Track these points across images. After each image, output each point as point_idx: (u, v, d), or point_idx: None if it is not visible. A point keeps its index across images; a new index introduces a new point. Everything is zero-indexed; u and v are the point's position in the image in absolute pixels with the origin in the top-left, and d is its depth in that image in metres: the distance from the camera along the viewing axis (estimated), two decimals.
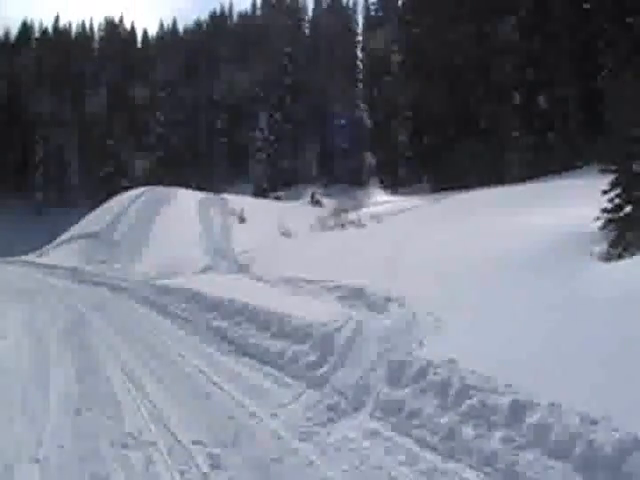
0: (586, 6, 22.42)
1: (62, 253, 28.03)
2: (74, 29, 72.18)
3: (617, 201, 6.70)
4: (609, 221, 6.77)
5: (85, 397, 6.35)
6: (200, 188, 38.57)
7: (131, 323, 11.29)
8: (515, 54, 25.37)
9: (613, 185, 6.73)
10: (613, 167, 6.77)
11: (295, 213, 26.06)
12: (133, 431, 5.30)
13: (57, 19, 71.85)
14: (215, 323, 9.41)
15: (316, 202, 35.78)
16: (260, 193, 47.65)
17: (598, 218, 6.84)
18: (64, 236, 32.55)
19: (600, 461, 3.62)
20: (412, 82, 34.28)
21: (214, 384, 6.82)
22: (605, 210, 6.76)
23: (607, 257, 6.43)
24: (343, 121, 51.03)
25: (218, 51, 63.93)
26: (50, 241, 34.20)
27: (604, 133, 7.94)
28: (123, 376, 7.22)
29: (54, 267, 24.25)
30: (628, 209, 6.63)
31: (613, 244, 6.56)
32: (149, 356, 8.32)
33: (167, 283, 13.77)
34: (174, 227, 23.79)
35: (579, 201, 8.58)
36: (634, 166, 6.58)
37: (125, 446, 5.00)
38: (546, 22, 23.70)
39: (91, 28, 72.62)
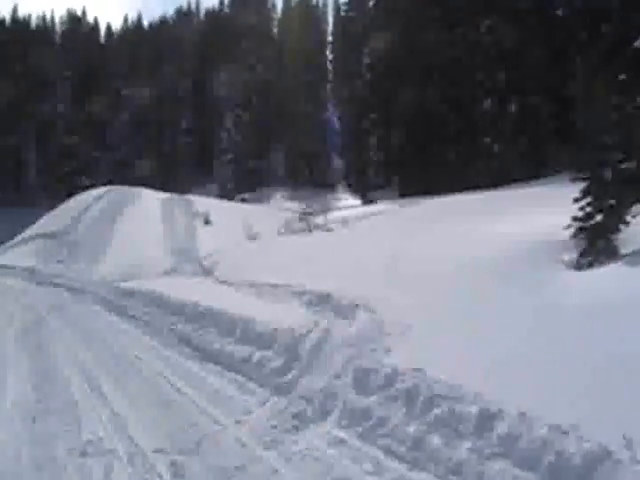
0: (558, 12, 22.83)
1: (19, 253, 27.46)
2: (34, 20, 71.05)
3: (588, 209, 6.77)
4: (580, 229, 6.84)
5: (42, 403, 6.22)
6: (164, 188, 38.21)
7: (91, 326, 11.14)
8: (487, 59, 25.69)
9: (584, 193, 6.81)
10: (584, 175, 6.85)
11: (261, 216, 25.97)
12: (92, 438, 5.22)
13: (15, 9, 70.66)
14: (178, 327, 9.33)
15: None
16: (226, 195, 47.39)
17: (569, 226, 6.93)
18: (22, 236, 31.90)
19: (569, 472, 3.67)
20: (383, 84, 34.50)
21: (176, 390, 6.76)
22: (576, 218, 6.84)
23: (577, 266, 6.51)
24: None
25: (184, 48, 63.45)
26: (6, 241, 33.50)
27: (575, 141, 8.06)
28: (82, 382, 7.11)
29: (11, 267, 23.76)
30: (599, 217, 6.72)
31: (584, 253, 6.64)
32: (109, 361, 8.21)
33: (129, 285, 13.63)
34: (137, 228, 23.52)
35: (550, 209, 8.70)
36: (605, 174, 6.67)
37: (84, 454, 4.92)
38: (518, 28, 24.04)
39: (52, 20, 71.57)
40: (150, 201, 29.07)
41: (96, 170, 55.81)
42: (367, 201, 35.53)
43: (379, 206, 25.69)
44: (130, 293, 12.73)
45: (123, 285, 13.97)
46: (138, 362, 8.07)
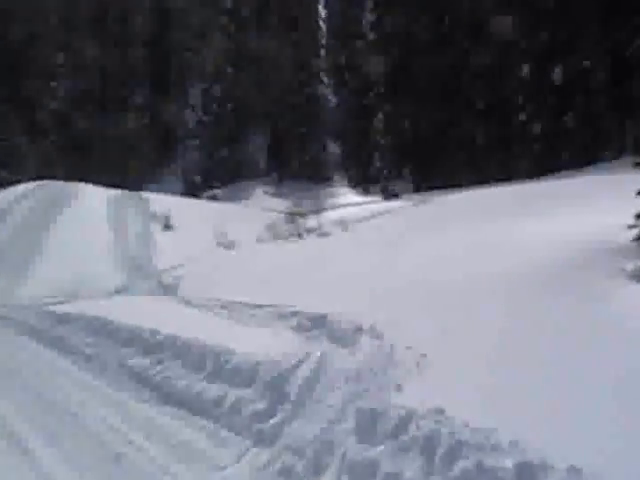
0: None
1: None
2: None
3: None
4: None
5: None
6: (112, 184, 38.17)
7: (15, 365, 11.03)
8: (524, 14, 25.66)
9: None
10: None
11: (238, 217, 25.96)
12: None
13: None
14: (131, 362, 9.29)
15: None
16: (192, 191, 47.35)
17: (632, 226, 6.92)
18: None
19: None
20: (390, 48, 34.57)
21: (128, 443, 6.73)
22: None
23: None
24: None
25: (136, 2, 63.26)
26: None
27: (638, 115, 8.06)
28: (2, 439, 7.05)
29: None
30: None
31: None
32: (40, 409, 8.14)
33: (66, 309, 13.53)
34: (76, 235, 23.43)
35: (607, 204, 8.74)
36: None
37: None
38: None
39: None
40: (93, 200, 28.99)
41: (21, 162, 55.48)
42: (372, 197, 35.52)
43: (389, 203, 25.75)
44: (68, 319, 12.64)
45: (59, 309, 13.87)
46: (79, 410, 8.02)
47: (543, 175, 19.59)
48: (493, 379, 5.63)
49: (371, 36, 44.17)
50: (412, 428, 5.23)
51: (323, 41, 58.02)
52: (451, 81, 28.95)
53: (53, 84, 57.85)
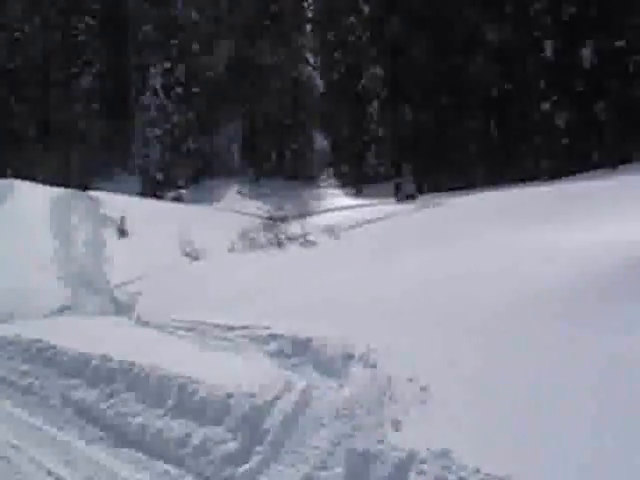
0: None
1: None
2: None
3: None
4: None
5: None
6: (55, 181, 38.03)
7: None
8: None
9: None
10: None
11: (207, 223, 25.95)
12: None
13: None
14: (77, 394, 9.26)
15: None
16: (151, 190, 47.25)
17: None
18: None
19: None
20: (389, 23, 34.66)
21: None
22: None
23: None
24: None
25: None
26: None
27: None
28: None
29: None
30: None
31: None
32: None
33: None
34: (11, 242, 23.25)
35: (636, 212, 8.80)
36: None
37: None
38: None
39: None
40: (32, 200, 28.83)
41: None
42: (366, 199, 35.49)
43: (385, 206, 25.79)
44: (0, 343, 12.59)
45: None
46: (13, 454, 7.97)
47: (569, 175, 19.65)
48: (508, 418, 5.64)
49: (366, 10, 44.30)
50: (413, 474, 5.24)
51: (309, 14, 58.08)
52: (460, 61, 29.00)
53: None
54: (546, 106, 25.44)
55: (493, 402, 5.89)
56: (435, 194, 25.68)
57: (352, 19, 45.34)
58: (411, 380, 6.70)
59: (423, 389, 6.48)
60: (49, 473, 7.23)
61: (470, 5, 28.48)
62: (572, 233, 9.72)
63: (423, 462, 5.27)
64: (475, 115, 27.95)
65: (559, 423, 5.32)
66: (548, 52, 25.74)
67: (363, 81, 42.82)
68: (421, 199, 26.15)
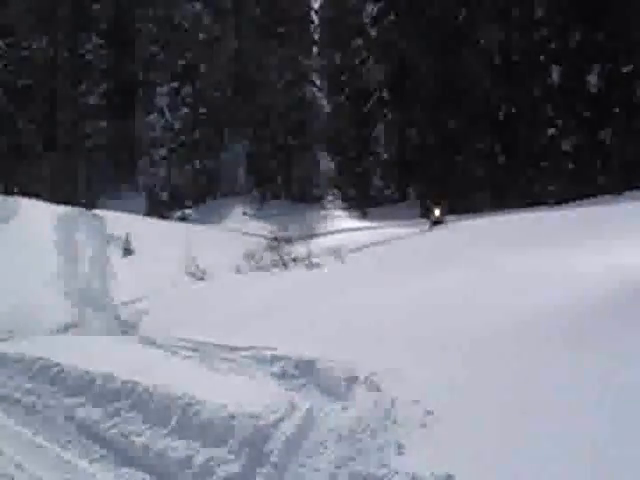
0: None
1: None
2: None
3: None
4: None
5: None
6: (61, 199, 38.12)
7: None
8: (554, 10, 25.71)
9: None
10: None
11: (212, 243, 25.98)
12: None
13: None
14: (80, 413, 9.25)
15: None
16: (157, 210, 47.31)
17: None
18: None
19: None
20: (396, 44, 34.75)
21: None
22: None
23: None
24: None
25: None
26: None
27: None
28: None
29: None
30: None
31: None
32: None
33: (0, 349, 13.47)
34: (16, 259, 23.29)
35: None
36: None
37: None
38: None
39: None
40: (38, 218, 28.90)
41: None
42: (372, 222, 35.38)
43: (391, 229, 25.81)
44: (2, 361, 12.56)
45: None
46: (14, 472, 7.96)
47: (574, 200, 19.67)
48: (514, 444, 5.64)
49: (373, 33, 44.46)
50: None
51: (315, 36, 58.25)
52: (466, 85, 29.07)
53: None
54: (552, 131, 25.49)
55: (498, 427, 5.89)
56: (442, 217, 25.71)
57: (359, 42, 45.49)
58: (415, 403, 6.70)
59: (427, 413, 6.48)
60: None
61: (478, 30, 28.58)
62: (578, 257, 9.74)
63: None
64: (481, 139, 27.97)
65: (564, 451, 5.32)
66: (555, 77, 25.80)
67: (369, 104, 42.95)
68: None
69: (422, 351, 7.89)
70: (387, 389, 7.15)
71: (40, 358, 11.55)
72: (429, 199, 32.12)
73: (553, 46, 25.67)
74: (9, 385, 11.37)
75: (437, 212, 25.39)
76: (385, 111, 41.06)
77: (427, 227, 23.79)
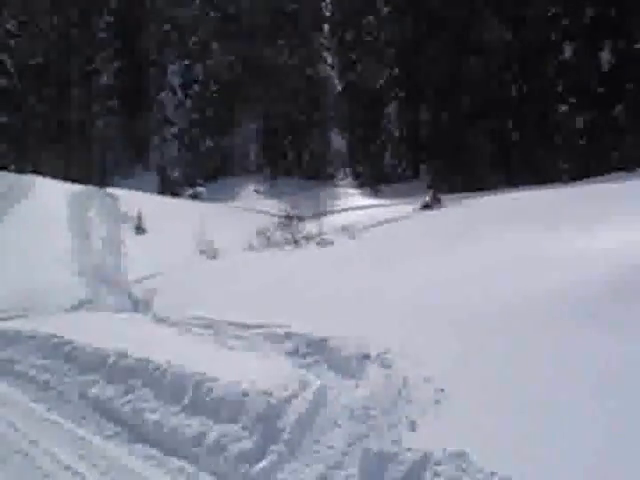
0: None
1: None
2: None
3: None
4: None
5: None
6: (74, 178, 38.16)
7: None
8: None
9: None
10: None
11: (223, 221, 25.98)
12: None
13: None
14: (94, 390, 9.27)
15: None
16: (170, 188, 47.34)
17: None
18: None
19: None
20: (406, 22, 34.54)
21: None
22: None
23: None
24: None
25: None
26: None
27: None
28: None
29: None
30: None
31: None
32: None
33: (14, 326, 13.49)
34: (29, 238, 23.38)
35: None
36: None
37: None
38: None
39: None
40: (51, 196, 28.96)
41: None
42: (383, 199, 35.29)
43: (402, 207, 25.72)
44: (15, 338, 12.59)
45: (4, 326, 13.82)
46: (31, 449, 7.98)
47: (587, 177, 19.54)
48: (525, 420, 5.62)
49: (384, 10, 44.20)
50: (428, 475, 5.21)
51: (327, 12, 57.97)
52: (478, 63, 28.88)
53: (3, 57, 56.94)
54: (564, 108, 25.31)
55: (510, 404, 5.87)
56: (452, 195, 25.59)
57: (370, 19, 45.24)
58: (427, 381, 6.69)
59: (439, 390, 6.46)
60: (66, 468, 7.24)
61: (488, 6, 28.36)
62: (589, 234, 9.68)
63: (438, 463, 5.24)
64: (493, 117, 27.80)
65: (576, 426, 5.30)
66: (567, 54, 25.59)
67: (380, 82, 42.75)
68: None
69: (434, 329, 7.87)
70: (399, 367, 7.14)
71: (54, 335, 11.60)
72: (437, 178, 32.11)
73: (566, 23, 25.41)
74: (24, 362, 11.42)
75: (427, 197, 25.31)
76: (397, 89, 40.77)
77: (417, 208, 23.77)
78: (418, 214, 20.84)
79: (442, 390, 6.45)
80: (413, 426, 6.06)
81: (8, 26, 56.67)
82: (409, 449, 5.57)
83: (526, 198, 15.87)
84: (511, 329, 7.22)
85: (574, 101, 25.07)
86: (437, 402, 6.34)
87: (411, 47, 34.68)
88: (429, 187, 28.12)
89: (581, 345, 6.43)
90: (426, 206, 25.58)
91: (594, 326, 6.68)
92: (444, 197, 25.12)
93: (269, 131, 53.95)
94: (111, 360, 9.58)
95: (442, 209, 19.05)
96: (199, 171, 50.58)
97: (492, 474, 4.93)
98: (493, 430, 5.59)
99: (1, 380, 11.35)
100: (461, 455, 5.21)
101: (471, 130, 28.73)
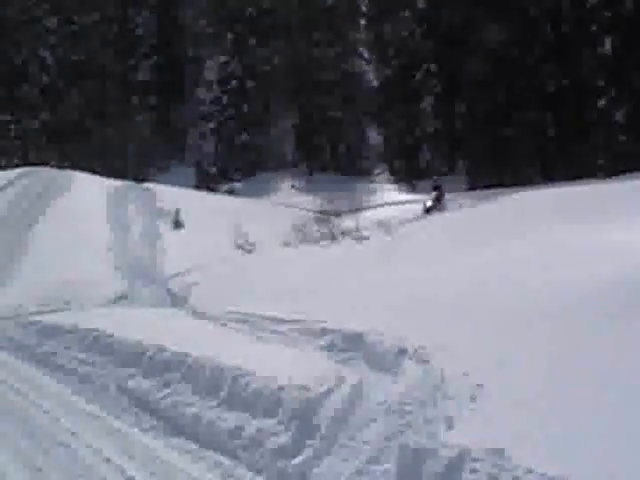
0: None
1: None
2: None
3: None
4: None
5: None
6: (112, 173, 38.40)
7: None
8: None
9: None
10: None
11: (260, 216, 26.04)
12: None
13: None
14: (132, 384, 9.35)
15: None
16: (206, 183, 47.49)
17: None
18: None
19: None
20: (445, 17, 34.38)
21: None
22: None
23: None
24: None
25: None
26: None
27: None
28: None
29: None
30: None
31: None
32: (25, 439, 8.18)
33: (55, 320, 13.63)
34: (68, 233, 23.56)
35: None
36: None
37: None
38: None
39: None
40: (90, 192, 29.18)
41: (3, 144, 54.80)
42: (420, 195, 35.10)
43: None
44: (57, 332, 12.73)
45: (46, 320, 13.97)
46: (70, 440, 8.05)
47: (627, 173, 19.32)
48: (566, 416, 5.57)
49: (420, 4, 44.04)
50: (466, 472, 5.19)
51: (362, 7, 57.86)
52: (516, 57, 28.67)
53: (43, 53, 57.04)
54: (603, 102, 25.05)
55: (550, 400, 5.82)
56: (489, 191, 25.42)
57: (406, 13, 45.08)
58: (465, 376, 6.66)
59: (477, 386, 6.43)
60: (106, 461, 7.30)
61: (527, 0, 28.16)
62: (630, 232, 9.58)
63: (476, 460, 5.21)
64: (530, 112, 27.59)
65: (619, 422, 5.25)
66: (607, 46, 25.32)
67: (416, 76, 42.61)
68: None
69: (471, 325, 7.83)
70: (436, 362, 7.10)
71: (93, 329, 11.72)
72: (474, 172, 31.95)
73: (606, 15, 25.14)
74: (64, 355, 11.56)
75: (429, 202, 25.13)
76: (434, 83, 40.61)
77: (420, 214, 23.62)
78: (454, 209, 20.69)
79: (481, 386, 6.41)
80: (451, 422, 6.02)
81: (48, 23, 56.98)
82: (446, 445, 5.55)
83: (570, 193, 15.71)
84: (554, 327, 7.16)
85: (613, 95, 24.80)
86: (475, 398, 6.30)
87: (449, 42, 34.47)
88: (434, 188, 28.04)
89: (624, 343, 6.37)
90: (429, 210, 25.41)
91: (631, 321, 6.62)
92: (479, 193, 25.02)
93: (305, 126, 53.96)
94: (149, 354, 9.67)
95: (490, 204, 18.86)
96: (235, 166, 50.74)
97: (530, 471, 4.90)
98: (531, 427, 5.55)
99: (41, 372, 11.48)
100: (499, 452, 5.18)
101: (508, 125, 28.54)
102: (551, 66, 27.22)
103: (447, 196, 26.67)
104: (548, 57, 27.37)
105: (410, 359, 7.39)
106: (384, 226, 17.58)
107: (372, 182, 46.99)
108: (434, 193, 26.18)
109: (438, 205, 24.94)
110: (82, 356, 11.14)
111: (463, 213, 18.38)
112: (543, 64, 27.42)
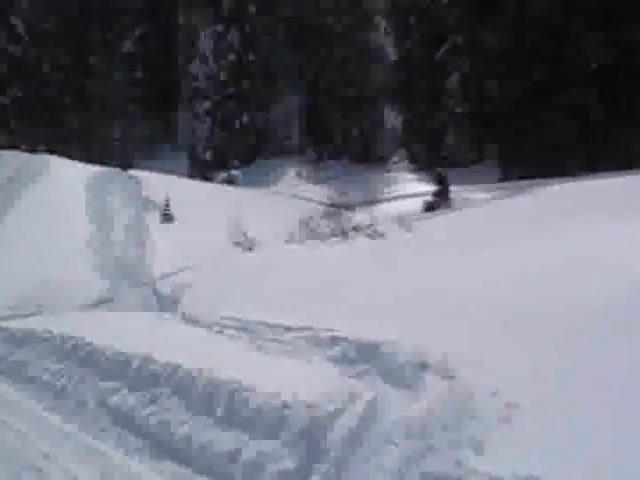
0: None
1: None
2: None
3: None
4: None
5: None
6: (93, 158, 38.44)
7: None
8: None
9: None
10: None
11: (261, 208, 26.08)
12: None
13: None
14: (115, 399, 9.36)
15: None
16: (200, 171, 47.54)
17: None
18: None
19: None
20: None
21: None
22: None
23: None
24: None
25: None
26: None
27: None
28: None
29: None
30: None
31: None
32: None
33: (27, 326, 13.63)
34: (44, 226, 23.61)
35: None
36: None
37: None
38: None
39: None
40: (67, 179, 29.21)
41: None
42: (425, 209, 35.12)
43: (466, 194, 25.64)
44: (29, 339, 12.73)
45: (18, 325, 13.99)
46: (44, 465, 8.07)
47: None
48: (604, 440, 5.58)
49: None
50: None
51: None
52: (555, 30, 28.63)
53: (13, 21, 57.02)
54: None
55: (590, 425, 5.83)
56: (522, 182, 25.39)
57: None
58: (494, 394, 6.66)
59: (509, 405, 6.42)
60: None
61: None
62: None
63: None
64: (571, 92, 27.52)
65: None
66: None
67: (442, 50, 42.58)
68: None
69: (501, 335, 7.84)
70: (462, 377, 7.11)
71: (71, 337, 11.72)
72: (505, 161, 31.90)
73: None
74: (38, 366, 11.55)
75: (430, 198, 25.21)
76: (461, 58, 40.61)
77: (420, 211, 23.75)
78: (479, 203, 20.71)
79: (513, 405, 6.41)
80: (479, 446, 6.04)
81: None
82: (475, 472, 5.56)
83: (612, 186, 15.70)
84: (595, 337, 7.16)
85: None
86: (506, 419, 6.31)
87: (475, 13, 34.41)
88: (438, 181, 28.05)
89: None
90: (430, 207, 25.42)
91: None
92: (513, 184, 24.99)
93: (313, 107, 53.91)
94: (135, 365, 9.67)
95: (524, 196, 18.83)
96: (233, 152, 50.71)
97: None
98: (568, 453, 5.56)
99: (12, 386, 11.50)
100: None
101: (546, 107, 28.49)
102: (597, 36, 27.10)
103: (454, 188, 26.73)
104: (594, 26, 27.26)
105: (432, 373, 7.40)
106: (402, 221, 17.59)
107: (389, 171, 47.02)
108: (436, 187, 26.27)
109: (441, 201, 25.03)
110: (58, 367, 11.14)
111: (487, 208, 18.41)
112: (589, 34, 27.29)
